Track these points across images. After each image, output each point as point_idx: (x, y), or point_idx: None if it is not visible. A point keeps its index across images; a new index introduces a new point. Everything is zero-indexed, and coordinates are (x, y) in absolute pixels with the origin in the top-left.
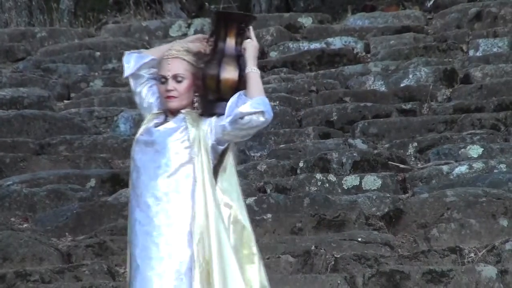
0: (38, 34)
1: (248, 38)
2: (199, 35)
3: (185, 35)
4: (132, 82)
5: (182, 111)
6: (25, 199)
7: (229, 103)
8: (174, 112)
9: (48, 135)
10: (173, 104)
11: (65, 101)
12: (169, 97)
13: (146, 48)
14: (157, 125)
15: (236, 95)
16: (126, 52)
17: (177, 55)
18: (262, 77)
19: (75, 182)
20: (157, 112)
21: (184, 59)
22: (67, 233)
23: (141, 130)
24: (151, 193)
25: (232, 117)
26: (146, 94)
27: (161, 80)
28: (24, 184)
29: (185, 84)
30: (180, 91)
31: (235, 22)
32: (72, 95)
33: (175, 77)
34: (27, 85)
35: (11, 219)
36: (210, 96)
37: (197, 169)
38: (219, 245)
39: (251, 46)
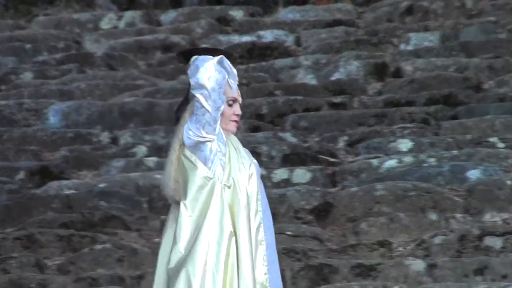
0: None
1: None
2: None
3: (115, 27)
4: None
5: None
6: None
7: None
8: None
9: None
10: (236, 129)
11: None
12: (236, 121)
13: (77, 42)
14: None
15: None
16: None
17: None
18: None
19: (4, 174)
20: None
21: None
22: None
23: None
24: None
25: None
26: None
27: (229, 102)
28: None
29: None
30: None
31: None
32: (2, 87)
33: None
34: None
35: None
36: None
37: None
38: None
39: None
